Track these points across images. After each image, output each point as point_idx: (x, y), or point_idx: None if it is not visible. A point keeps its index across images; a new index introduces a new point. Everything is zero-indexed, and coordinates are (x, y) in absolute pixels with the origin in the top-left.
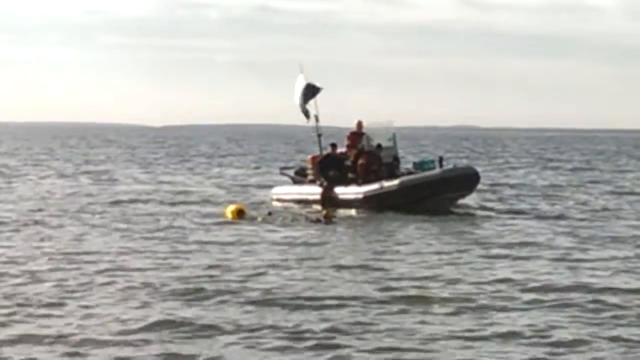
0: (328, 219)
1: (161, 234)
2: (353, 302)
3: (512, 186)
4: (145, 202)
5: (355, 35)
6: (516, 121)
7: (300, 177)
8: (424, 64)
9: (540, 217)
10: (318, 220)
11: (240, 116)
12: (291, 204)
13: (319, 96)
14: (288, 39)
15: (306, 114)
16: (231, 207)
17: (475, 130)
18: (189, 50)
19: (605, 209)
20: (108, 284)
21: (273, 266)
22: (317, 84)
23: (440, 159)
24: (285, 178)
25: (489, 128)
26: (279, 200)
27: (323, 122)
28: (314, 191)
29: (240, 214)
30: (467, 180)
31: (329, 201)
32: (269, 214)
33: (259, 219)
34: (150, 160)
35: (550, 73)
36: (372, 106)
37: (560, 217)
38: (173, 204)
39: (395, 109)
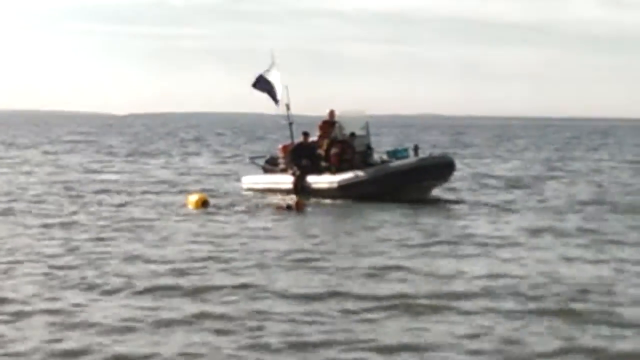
0: (300, 208)
1: (119, 225)
2: (299, 296)
3: (486, 176)
4: (105, 191)
5: (322, 22)
6: (484, 110)
7: (271, 166)
8: (392, 52)
9: (516, 209)
10: (289, 208)
11: (205, 104)
12: (262, 193)
13: (290, 84)
14: (254, 26)
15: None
16: (193, 197)
17: (441, 119)
18: (153, 37)
19: (572, 201)
20: (64, 277)
21: (225, 259)
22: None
23: (416, 148)
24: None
25: (456, 116)
26: (249, 189)
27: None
28: (285, 180)
29: (203, 203)
30: (443, 168)
31: (302, 190)
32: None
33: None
34: (111, 148)
35: (519, 61)
36: (338, 94)
37: (534, 209)
38: (133, 194)
39: (362, 96)
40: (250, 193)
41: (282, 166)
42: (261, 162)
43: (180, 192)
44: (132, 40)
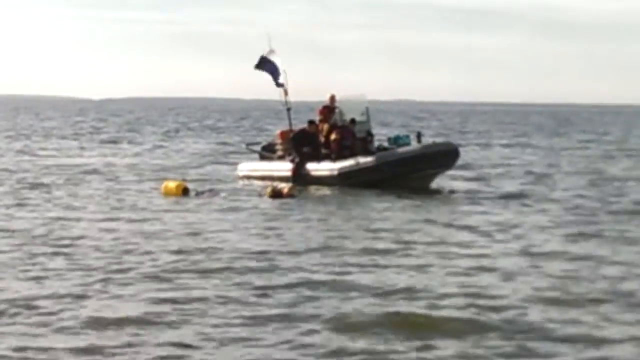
0: (288, 193)
1: (92, 210)
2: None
3: (483, 164)
4: (83, 176)
5: (298, 8)
6: (453, 95)
7: (268, 152)
8: (362, 37)
9: (526, 201)
10: (277, 193)
11: (177, 89)
12: (259, 181)
13: (289, 71)
14: (224, 11)
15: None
16: (171, 183)
17: (414, 105)
18: (128, 22)
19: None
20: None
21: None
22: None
23: (419, 134)
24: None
25: (429, 102)
26: (245, 177)
27: (260, 96)
28: (284, 167)
29: (180, 189)
30: (447, 156)
31: (301, 178)
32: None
33: (199, 192)
34: (88, 133)
35: (487, 47)
36: (314, 79)
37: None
38: (111, 179)
39: (338, 81)
40: (247, 180)
41: (279, 153)
42: (257, 148)
43: (159, 178)
44: (106, 25)
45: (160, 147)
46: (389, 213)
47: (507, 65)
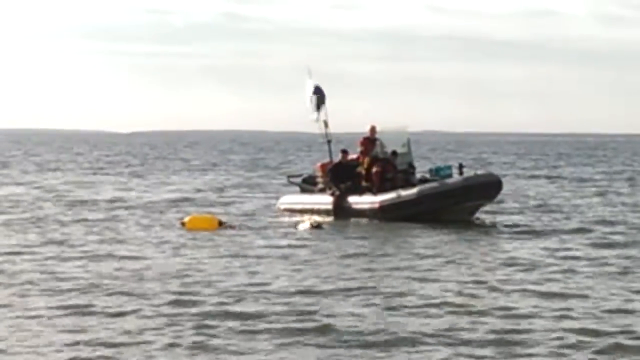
0: (316, 226)
1: (119, 245)
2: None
3: (526, 196)
4: (112, 209)
5: (321, 41)
6: (484, 126)
7: (309, 185)
8: (391, 69)
9: (568, 237)
10: (317, 227)
11: (206, 122)
12: (299, 214)
13: (289, 101)
14: (254, 45)
15: (318, 120)
16: (199, 216)
17: (441, 136)
18: (154, 56)
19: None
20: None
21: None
22: (321, 89)
23: (461, 166)
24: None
25: (456, 133)
26: (287, 210)
27: (288, 128)
28: (324, 200)
29: (215, 223)
30: (489, 188)
31: (342, 211)
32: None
33: (234, 224)
34: (119, 167)
35: (518, 79)
36: (339, 111)
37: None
38: (136, 212)
39: (362, 113)
40: (288, 214)
41: (320, 185)
42: (298, 180)
43: (186, 211)
44: (133, 59)
45: (186, 180)
46: (429, 249)
47: (531, 95)
